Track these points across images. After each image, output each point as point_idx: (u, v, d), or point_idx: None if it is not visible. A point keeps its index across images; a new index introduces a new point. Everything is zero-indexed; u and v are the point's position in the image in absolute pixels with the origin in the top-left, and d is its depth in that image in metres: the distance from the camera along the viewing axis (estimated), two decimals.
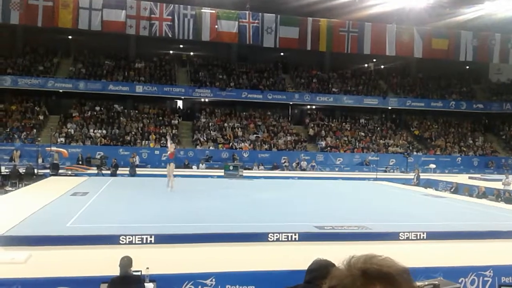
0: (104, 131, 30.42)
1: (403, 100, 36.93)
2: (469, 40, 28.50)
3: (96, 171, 23.20)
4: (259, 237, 8.89)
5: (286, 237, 8.91)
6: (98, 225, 9.48)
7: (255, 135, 32.83)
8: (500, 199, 17.72)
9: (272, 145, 32.16)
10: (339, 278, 1.23)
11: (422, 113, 38.39)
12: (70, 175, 21.74)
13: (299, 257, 6.85)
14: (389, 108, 37.27)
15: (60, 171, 22.51)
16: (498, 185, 20.47)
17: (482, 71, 41.63)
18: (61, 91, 31.42)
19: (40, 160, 24.84)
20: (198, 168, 28.21)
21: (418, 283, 3.79)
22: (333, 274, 1.27)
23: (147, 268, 6.15)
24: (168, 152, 16.93)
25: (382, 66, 40.73)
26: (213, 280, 6.62)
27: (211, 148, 30.81)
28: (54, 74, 32.41)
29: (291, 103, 35.33)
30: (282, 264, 7.28)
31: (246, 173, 24.71)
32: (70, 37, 34.25)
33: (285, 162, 30.16)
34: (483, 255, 8.32)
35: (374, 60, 39.29)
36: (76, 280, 6.37)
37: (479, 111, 38.48)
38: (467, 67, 40.09)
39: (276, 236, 8.88)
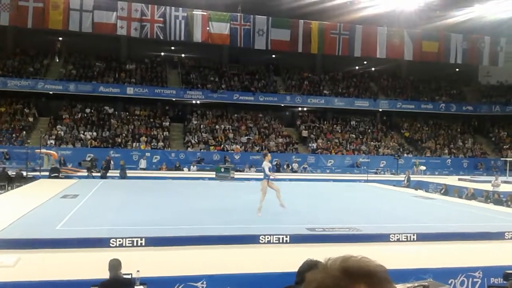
0: (95, 133, 30.25)
1: (394, 102, 37.15)
2: (459, 43, 28.76)
3: (86, 174, 23.04)
4: (250, 239, 8.89)
5: (277, 239, 8.91)
6: (88, 228, 9.41)
7: (246, 137, 32.83)
8: (489, 200, 17.87)
9: (263, 147, 32.18)
10: (318, 281, 1.19)
11: (412, 115, 38.64)
12: (60, 178, 21.57)
13: (290, 259, 6.84)
14: (380, 110, 37.47)
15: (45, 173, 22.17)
16: (488, 187, 20.64)
17: (472, 74, 42.02)
18: (51, 92, 31.20)
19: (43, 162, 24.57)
20: (189, 170, 28.15)
21: (408, 285, 3.81)
22: (309, 278, 1.22)
23: (138, 271, 6.11)
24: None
25: (373, 69, 40.95)
26: (204, 282, 6.60)
27: (202, 150, 30.75)
28: (44, 75, 32.18)
29: (282, 105, 35.40)
30: (273, 266, 7.28)
31: (237, 175, 24.70)
32: (60, 38, 34.03)
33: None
34: (472, 256, 8.38)
35: (365, 62, 39.49)
36: (66, 284, 6.32)
37: (468, 113, 38.83)
38: (457, 69, 40.42)
39: (267, 238, 8.88)
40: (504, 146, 36.96)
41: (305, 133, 34.72)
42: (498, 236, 10.02)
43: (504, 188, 20.88)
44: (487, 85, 41.40)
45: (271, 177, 11.64)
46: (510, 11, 27.93)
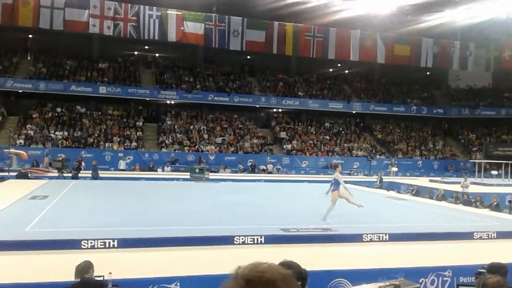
0: (66, 133, 29.62)
1: (367, 105, 37.70)
2: (430, 47, 29.46)
3: (57, 174, 22.54)
4: (225, 240, 8.86)
5: (252, 239, 8.91)
6: (58, 229, 9.21)
7: (221, 138, 32.74)
8: (458, 201, 18.31)
9: (238, 148, 32.15)
10: None
11: (385, 117, 39.31)
12: (30, 178, 21.05)
13: (265, 260, 6.85)
14: (353, 112, 37.95)
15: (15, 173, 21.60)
16: (457, 188, 21.15)
17: (442, 77, 43.03)
18: (20, 91, 30.41)
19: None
20: (163, 171, 27.89)
21: (380, 284, 3.86)
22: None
23: (110, 273, 6.01)
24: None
25: (347, 71, 41.46)
26: (178, 284, 6.54)
27: (176, 150, 30.49)
28: (13, 73, 31.32)
29: (257, 106, 35.46)
30: None
31: (212, 176, 24.61)
32: (30, 36, 33.25)
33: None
34: (442, 256, 8.56)
35: (339, 64, 39.95)
36: (36, 286, 6.17)
37: (439, 116, 39.77)
38: (428, 73, 41.33)
39: (242, 239, 8.88)
40: (473, 148, 37.97)
41: (283, 134, 34.85)
42: (467, 236, 10.27)
43: (473, 189, 21.44)
44: (456, 89, 42.45)
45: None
46: (479, 17, 28.71)
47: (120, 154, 28.57)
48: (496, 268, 4.92)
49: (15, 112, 31.02)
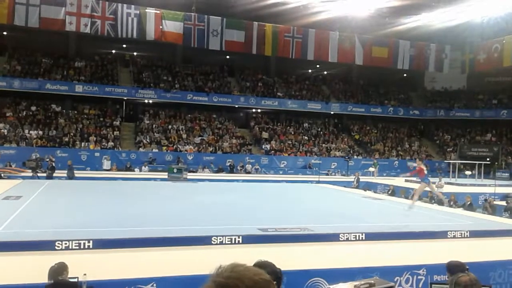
0: (41, 132, 29.06)
1: (345, 106, 38.06)
2: (407, 49, 29.90)
3: (31, 174, 22.09)
4: (202, 240, 8.82)
5: (229, 239, 8.88)
6: (32, 231, 9.01)
7: (200, 138, 32.59)
8: (433, 201, 18.62)
9: (217, 147, 32.06)
10: None
11: (362, 118, 39.76)
12: (3, 178, 20.59)
13: (242, 260, 6.82)
14: (332, 113, 38.28)
15: None
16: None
17: (418, 79, 43.75)
18: None
19: None
20: (141, 171, 27.63)
21: (355, 283, 3.91)
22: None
23: (85, 274, 5.92)
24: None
25: (325, 72, 41.80)
26: (154, 285, 6.48)
27: (154, 150, 30.24)
28: None
29: (236, 106, 35.43)
30: None
31: (190, 176, 24.48)
32: (5, 33, 32.53)
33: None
34: (417, 255, 8.69)
35: (318, 66, 40.23)
36: None
37: (415, 117, 40.43)
38: (405, 75, 41.96)
39: (220, 239, 8.84)
40: (448, 149, 38.72)
41: (265, 135, 34.86)
42: (441, 235, 10.45)
43: (447, 189, 21.85)
44: (432, 91, 43.23)
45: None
46: (455, 20, 29.28)
47: (97, 154, 28.20)
48: (454, 267, 4.98)
49: None
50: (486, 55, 29.91)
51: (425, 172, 13.56)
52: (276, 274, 3.17)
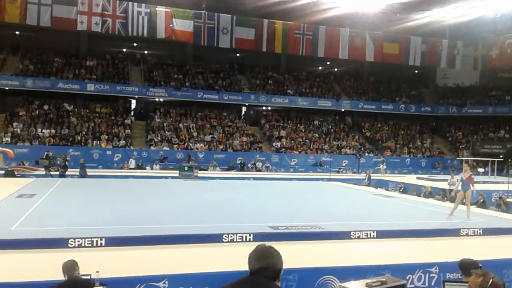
0: (53, 131, 29.35)
1: (356, 103, 37.87)
2: (418, 45, 29.62)
3: (44, 172, 22.32)
4: (214, 238, 8.84)
5: (240, 237, 8.90)
6: (45, 228, 9.11)
7: (210, 136, 32.67)
8: (445, 198, 18.47)
9: (227, 145, 32.11)
10: None
11: (373, 115, 39.51)
12: (17, 176, 20.84)
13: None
14: (342, 110, 38.10)
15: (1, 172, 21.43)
16: (444, 185, 21.35)
17: (430, 76, 43.36)
18: (7, 88, 30.04)
19: None
20: (152, 169, 27.77)
21: (367, 281, 3.89)
22: None
23: (97, 271, 5.97)
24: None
25: (336, 69, 41.61)
26: (166, 282, 6.52)
27: (165, 148, 30.38)
28: (0, 70, 30.94)
29: (247, 104, 35.42)
30: (237, 265, 7.25)
31: (201, 173, 24.55)
32: (17, 32, 32.87)
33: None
34: (429, 253, 8.63)
35: (328, 63, 40.06)
36: (22, 286, 6.11)
37: (427, 114, 40.10)
38: (416, 71, 41.62)
39: (231, 237, 8.86)
40: (460, 146, 38.35)
41: (275, 133, 34.80)
42: (453, 232, 10.37)
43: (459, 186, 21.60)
44: (444, 87, 42.82)
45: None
46: (467, 16, 28.95)
47: (108, 152, 28.42)
48: (466, 265, 4.93)
49: (2, 110, 30.68)
50: (499, 50, 29.53)
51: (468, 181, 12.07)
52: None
